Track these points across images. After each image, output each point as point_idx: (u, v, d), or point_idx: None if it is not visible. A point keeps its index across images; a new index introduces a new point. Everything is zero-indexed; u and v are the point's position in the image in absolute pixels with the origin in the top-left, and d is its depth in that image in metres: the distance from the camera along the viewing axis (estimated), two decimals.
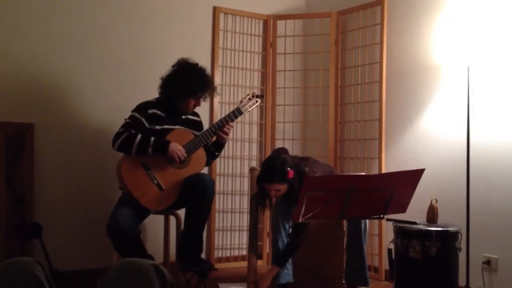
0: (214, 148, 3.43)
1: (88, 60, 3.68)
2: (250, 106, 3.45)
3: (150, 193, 3.11)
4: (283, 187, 2.97)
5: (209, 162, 3.53)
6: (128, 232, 3.01)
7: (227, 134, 3.33)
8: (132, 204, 3.07)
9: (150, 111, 3.21)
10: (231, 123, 3.34)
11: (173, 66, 3.30)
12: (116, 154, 3.15)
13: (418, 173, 2.61)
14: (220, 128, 3.31)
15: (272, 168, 2.98)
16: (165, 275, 1.45)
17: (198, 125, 3.43)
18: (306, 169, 3.06)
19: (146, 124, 3.17)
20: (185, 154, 3.15)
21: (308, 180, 2.55)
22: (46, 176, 3.51)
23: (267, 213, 3.87)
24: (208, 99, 3.46)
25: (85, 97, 3.66)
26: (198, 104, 3.33)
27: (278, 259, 3.13)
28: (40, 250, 2.99)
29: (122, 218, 3.00)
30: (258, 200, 3.15)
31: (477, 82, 3.25)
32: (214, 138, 3.38)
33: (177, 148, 3.11)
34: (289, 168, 2.94)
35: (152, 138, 3.09)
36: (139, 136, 3.08)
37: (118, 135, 3.09)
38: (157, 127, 3.20)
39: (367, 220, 3.19)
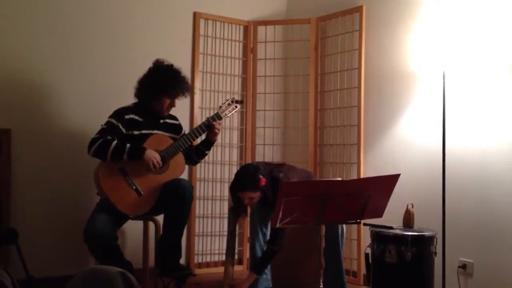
0: (204, 147, 3.43)
1: (67, 66, 3.66)
2: (230, 112, 3.46)
3: (128, 199, 3.10)
4: (256, 195, 3.01)
5: (196, 161, 3.56)
6: (105, 238, 3.00)
7: (218, 130, 3.34)
8: (110, 209, 3.06)
9: (127, 117, 3.20)
10: (219, 121, 3.35)
11: (149, 68, 3.30)
12: (94, 159, 3.14)
13: (394, 178, 2.63)
14: (200, 133, 3.32)
15: (244, 176, 3.04)
16: (133, 283, 1.45)
17: (177, 128, 3.43)
18: (281, 175, 3.09)
19: (123, 130, 3.17)
20: (160, 162, 3.14)
21: (284, 186, 2.56)
22: (23, 182, 3.48)
23: (246, 218, 3.88)
24: (183, 98, 3.40)
25: (63, 102, 3.64)
26: (172, 104, 3.30)
27: (256, 266, 3.14)
28: (17, 256, 2.96)
29: (99, 223, 2.99)
30: (234, 209, 3.17)
31: (452, 88, 3.30)
32: (201, 139, 3.40)
33: (152, 155, 3.10)
34: (261, 176, 2.99)
35: (128, 145, 3.08)
36: (114, 142, 3.07)
37: (93, 141, 3.08)
38: (135, 132, 3.20)
39: (344, 225, 3.21)
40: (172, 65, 3.31)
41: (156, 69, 3.27)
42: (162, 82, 3.21)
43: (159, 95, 3.23)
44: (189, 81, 3.44)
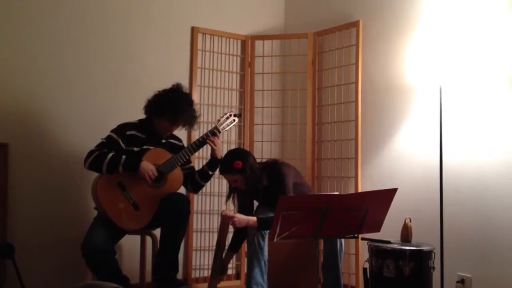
0: (208, 167, 3.42)
1: (65, 82, 3.67)
2: (228, 125, 3.47)
3: (126, 213, 3.09)
4: (236, 178, 3.20)
5: (200, 184, 3.47)
6: (102, 252, 2.98)
7: (215, 144, 3.34)
8: (107, 224, 3.05)
9: (128, 133, 3.20)
10: (218, 134, 3.36)
11: (166, 89, 3.29)
12: (91, 174, 3.13)
13: (391, 192, 2.63)
14: (198, 147, 3.32)
15: (223, 159, 3.28)
16: None
17: (179, 149, 3.37)
18: (274, 161, 3.38)
19: (123, 145, 3.16)
20: (156, 174, 3.12)
21: (282, 200, 2.56)
22: (20, 196, 3.47)
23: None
24: (181, 129, 3.39)
25: (60, 117, 3.64)
26: (170, 129, 3.28)
27: (263, 219, 3.08)
28: (13, 271, 2.95)
29: (96, 238, 2.98)
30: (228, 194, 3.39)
31: (449, 103, 3.31)
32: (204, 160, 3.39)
33: (148, 167, 3.09)
34: (236, 160, 3.16)
35: (123, 157, 3.07)
36: (110, 154, 3.06)
37: (90, 154, 3.08)
38: (135, 148, 3.19)
39: (343, 240, 3.20)
40: (188, 95, 3.32)
41: (171, 92, 3.26)
42: (168, 106, 3.18)
43: (161, 116, 3.22)
44: (196, 117, 3.36)
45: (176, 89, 3.29)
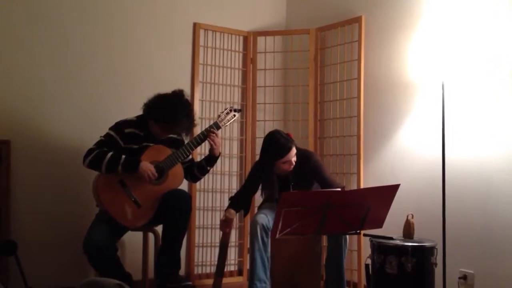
0: (206, 163, 3.42)
1: (66, 77, 3.67)
2: (228, 120, 3.46)
3: (127, 210, 3.10)
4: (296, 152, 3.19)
5: (198, 177, 3.50)
6: (104, 249, 2.99)
7: (215, 143, 3.32)
8: (109, 221, 3.06)
9: (127, 130, 3.18)
10: (216, 131, 3.34)
11: (167, 93, 3.23)
12: (93, 171, 3.13)
13: (393, 188, 2.63)
14: (199, 143, 3.32)
15: (279, 140, 3.18)
16: None
17: (179, 143, 3.38)
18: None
19: (122, 143, 3.15)
20: (156, 174, 3.11)
21: (284, 196, 2.56)
22: (23, 193, 3.48)
23: (247, 229, 3.88)
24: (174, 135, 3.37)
25: (62, 114, 3.65)
26: (161, 135, 3.25)
27: None
28: (16, 268, 2.95)
29: (98, 235, 2.99)
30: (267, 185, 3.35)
31: (451, 99, 3.30)
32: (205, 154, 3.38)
33: (147, 167, 3.08)
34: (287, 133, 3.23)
35: (123, 157, 3.07)
36: (110, 153, 3.06)
37: (89, 152, 3.08)
38: (135, 146, 3.19)
39: (347, 236, 3.20)
40: (188, 104, 3.25)
41: (170, 98, 3.20)
42: (166, 114, 3.14)
43: (156, 121, 3.19)
44: (192, 127, 3.34)
45: (176, 96, 3.22)
